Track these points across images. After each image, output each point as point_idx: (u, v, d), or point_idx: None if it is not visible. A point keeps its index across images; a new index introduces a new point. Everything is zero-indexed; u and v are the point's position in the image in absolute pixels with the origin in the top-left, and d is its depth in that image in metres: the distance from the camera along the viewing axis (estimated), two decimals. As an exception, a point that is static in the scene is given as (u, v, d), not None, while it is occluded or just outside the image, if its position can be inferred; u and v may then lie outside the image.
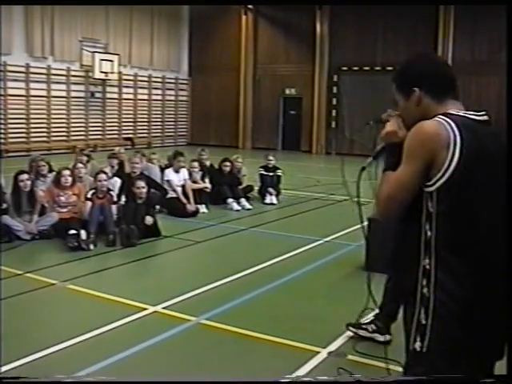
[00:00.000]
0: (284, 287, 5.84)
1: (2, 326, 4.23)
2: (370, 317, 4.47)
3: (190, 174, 9.87)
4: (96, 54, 19.89)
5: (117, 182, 8.77)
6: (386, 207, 2.20)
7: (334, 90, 22.03)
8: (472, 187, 2.08)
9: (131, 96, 22.25)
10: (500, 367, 2.23)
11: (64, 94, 19.50)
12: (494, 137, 2.17)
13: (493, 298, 2.13)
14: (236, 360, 4.14)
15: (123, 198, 8.23)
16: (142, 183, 7.79)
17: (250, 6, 23.03)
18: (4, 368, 3.70)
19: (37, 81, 18.51)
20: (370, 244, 5.97)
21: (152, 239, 7.56)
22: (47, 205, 7.69)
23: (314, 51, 22.11)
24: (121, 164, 9.73)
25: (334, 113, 22.15)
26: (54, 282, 5.67)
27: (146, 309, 4.98)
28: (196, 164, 10.17)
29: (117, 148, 11.46)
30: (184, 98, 24.89)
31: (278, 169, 11.19)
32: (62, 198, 7.74)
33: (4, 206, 7.37)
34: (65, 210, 7.69)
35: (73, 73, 19.69)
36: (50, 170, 8.90)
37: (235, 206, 9.89)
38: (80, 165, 8.64)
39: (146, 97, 22.94)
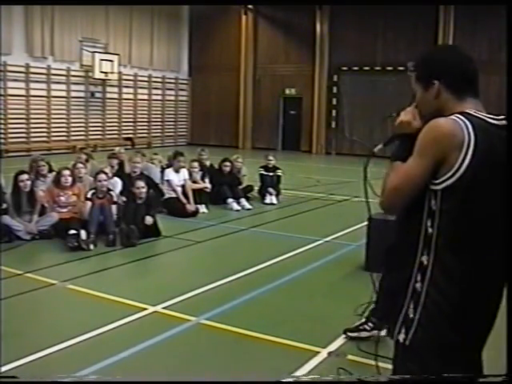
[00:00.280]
0: (284, 287, 5.83)
1: (2, 326, 4.23)
2: (362, 317, 4.49)
3: (190, 174, 9.87)
4: (96, 53, 19.89)
5: (117, 182, 8.76)
6: (391, 199, 2.16)
7: (334, 89, 22.02)
8: (479, 190, 2.05)
9: (131, 96, 22.25)
10: (500, 367, 2.23)
11: (64, 94, 19.50)
12: (504, 141, 2.11)
13: (486, 301, 2.14)
14: (236, 360, 4.14)
15: (123, 198, 8.22)
16: (141, 183, 7.79)
17: (250, 6, 23.03)
18: (4, 368, 3.69)
19: (37, 81, 18.51)
20: (369, 244, 5.98)
21: (152, 239, 7.56)
22: (47, 205, 7.69)
23: (314, 51, 22.10)
24: (121, 164, 9.73)
25: (334, 113, 22.13)
26: (53, 282, 5.67)
27: (145, 309, 4.98)
28: (196, 164, 10.17)
29: (117, 148, 11.44)
30: (184, 98, 24.88)
31: (278, 169, 11.18)
32: (62, 198, 7.74)
33: (4, 206, 7.37)
34: (65, 210, 7.70)
35: (73, 73, 19.69)
36: (50, 170, 8.88)
37: (235, 206, 9.89)
38: (80, 165, 8.62)
39: (145, 97, 22.93)
